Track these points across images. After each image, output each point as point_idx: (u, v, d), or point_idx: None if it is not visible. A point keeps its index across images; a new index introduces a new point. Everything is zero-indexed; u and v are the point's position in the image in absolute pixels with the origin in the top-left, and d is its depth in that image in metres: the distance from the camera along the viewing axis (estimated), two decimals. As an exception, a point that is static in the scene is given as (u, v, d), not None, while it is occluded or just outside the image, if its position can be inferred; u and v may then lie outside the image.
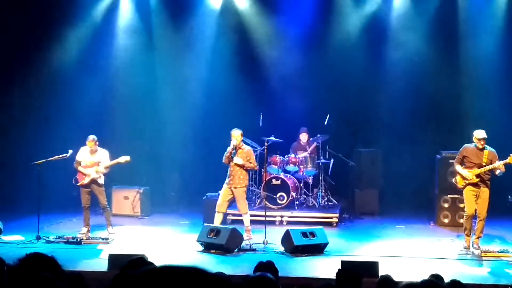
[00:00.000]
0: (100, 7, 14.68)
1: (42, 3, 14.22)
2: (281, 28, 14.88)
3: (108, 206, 11.89)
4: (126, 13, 14.90)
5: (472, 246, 10.44)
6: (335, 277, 5.73)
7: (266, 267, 5.24)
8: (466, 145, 10.71)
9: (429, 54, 14.33)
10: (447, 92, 14.32)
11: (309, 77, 14.79)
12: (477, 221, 10.52)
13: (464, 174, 10.50)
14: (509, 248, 10.41)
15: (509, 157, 10.17)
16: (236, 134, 11.34)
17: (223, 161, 11.47)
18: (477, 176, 10.41)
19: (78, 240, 10.93)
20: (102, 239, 11.22)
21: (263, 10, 14.92)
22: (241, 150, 11.43)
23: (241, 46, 14.98)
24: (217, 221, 11.24)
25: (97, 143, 11.52)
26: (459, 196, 12.52)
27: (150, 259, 8.76)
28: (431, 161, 13.36)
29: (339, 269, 5.87)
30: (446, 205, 12.86)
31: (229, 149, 11.36)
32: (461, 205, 12.52)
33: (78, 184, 11.53)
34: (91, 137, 11.48)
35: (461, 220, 12.29)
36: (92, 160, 11.49)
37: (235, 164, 11.30)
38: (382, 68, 14.65)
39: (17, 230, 11.59)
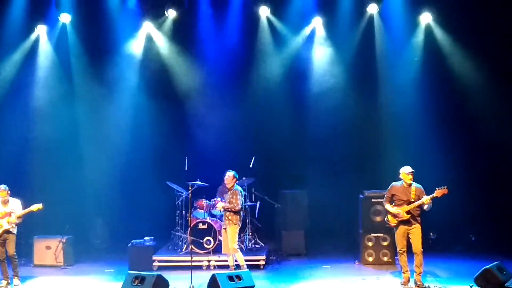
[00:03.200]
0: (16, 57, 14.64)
1: None
2: (204, 70, 15.00)
3: (16, 256, 11.43)
4: (44, 62, 14.79)
5: (415, 284, 10.54)
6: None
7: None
8: (393, 183, 10.87)
9: (349, 95, 14.67)
10: (368, 133, 14.70)
11: (233, 120, 14.90)
12: (414, 257, 10.65)
13: (394, 212, 10.66)
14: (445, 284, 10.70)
15: (435, 191, 10.36)
16: (226, 176, 11.74)
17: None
18: (408, 212, 10.57)
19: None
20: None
21: (186, 55, 15.04)
22: (230, 192, 11.70)
23: (164, 90, 15.01)
24: (230, 262, 11.72)
25: (9, 193, 11.27)
26: (383, 234, 12.80)
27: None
28: (355, 201, 13.57)
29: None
30: (370, 244, 13.03)
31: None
32: (385, 243, 12.79)
33: None
34: (3, 186, 11.24)
35: (385, 258, 12.56)
36: (4, 210, 11.22)
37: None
38: (305, 110, 14.93)
39: None
